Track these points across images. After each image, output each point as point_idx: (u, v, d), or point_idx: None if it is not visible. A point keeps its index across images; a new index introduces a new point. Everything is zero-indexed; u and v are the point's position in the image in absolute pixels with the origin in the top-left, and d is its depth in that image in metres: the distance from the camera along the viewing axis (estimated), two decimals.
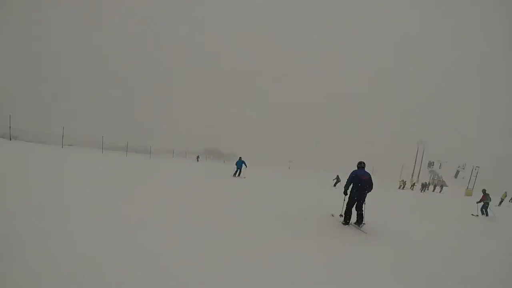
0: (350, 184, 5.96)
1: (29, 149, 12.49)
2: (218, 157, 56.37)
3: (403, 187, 28.26)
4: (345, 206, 6.14)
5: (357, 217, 6.01)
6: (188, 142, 64.72)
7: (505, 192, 20.03)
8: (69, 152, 15.14)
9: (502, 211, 14.25)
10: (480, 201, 12.02)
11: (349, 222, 6.00)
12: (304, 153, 70.18)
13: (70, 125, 17.75)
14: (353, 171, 6.05)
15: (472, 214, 11.81)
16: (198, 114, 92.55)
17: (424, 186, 27.82)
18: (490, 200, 11.89)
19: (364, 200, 6.01)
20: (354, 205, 6.02)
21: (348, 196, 6.07)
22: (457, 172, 43.44)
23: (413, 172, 45.99)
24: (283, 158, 60.14)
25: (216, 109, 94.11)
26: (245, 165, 15.61)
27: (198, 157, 37.91)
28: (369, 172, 6.06)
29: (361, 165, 6.10)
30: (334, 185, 18.97)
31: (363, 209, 6.05)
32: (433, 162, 45.80)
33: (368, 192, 5.98)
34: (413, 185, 29.75)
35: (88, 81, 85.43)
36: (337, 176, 19.49)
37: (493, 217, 11.38)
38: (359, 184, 5.86)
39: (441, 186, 31.08)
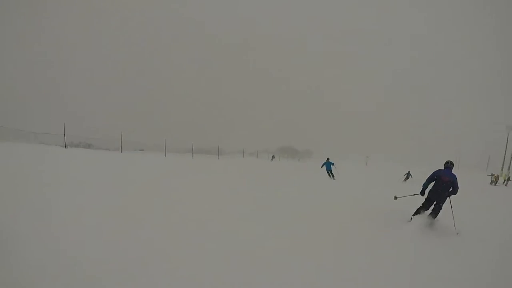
0: (429, 184, 5.81)
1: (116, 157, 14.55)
2: (293, 155, 56.05)
3: (496, 183, 25.99)
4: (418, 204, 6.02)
5: (432, 210, 5.83)
6: (260, 142, 64.52)
7: None
8: (150, 157, 17.71)
9: None
10: None
11: (412, 217, 5.92)
12: (379, 147, 66.71)
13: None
14: (437, 170, 5.88)
15: None
16: (268, 113, 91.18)
17: None
18: None
19: (443, 202, 5.76)
20: (431, 207, 5.84)
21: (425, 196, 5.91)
22: None
23: (503, 164, 40.90)
24: (359, 152, 58.17)
25: (286, 106, 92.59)
26: (332, 164, 16.37)
27: (273, 156, 38.28)
28: (455, 174, 5.72)
29: (447, 164, 5.80)
30: (404, 180, 19.23)
31: (452, 209, 5.83)
32: None
33: (449, 196, 5.74)
34: (508, 179, 26.97)
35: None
36: (408, 171, 19.83)
37: None
38: (438, 185, 5.70)
39: None
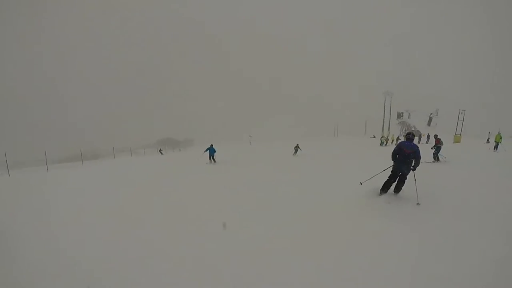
0: (395, 156, 5.89)
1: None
2: (174, 146, 51.97)
3: (386, 143, 25.17)
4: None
5: (396, 185, 5.96)
6: (137, 138, 62.82)
7: (499, 134, 16.72)
8: None
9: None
10: (434, 147, 12.45)
11: (386, 191, 5.97)
12: (261, 126, 70.05)
13: None
14: (400, 142, 6.04)
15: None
16: (140, 107, 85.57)
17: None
18: (443, 144, 12.51)
19: (407, 174, 5.83)
20: (397, 179, 5.92)
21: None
22: (430, 119, 41.49)
23: (383, 126, 44.28)
24: (242, 133, 58.94)
25: (159, 97, 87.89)
26: (214, 151, 16.71)
27: (160, 150, 36.29)
28: (416, 145, 5.73)
29: (408, 136, 5.97)
30: (294, 153, 19.65)
31: (416, 182, 5.85)
32: (402, 113, 43.90)
33: (413, 168, 5.72)
34: (397, 139, 26.87)
35: None
36: (297, 144, 20.29)
37: (445, 161, 11.98)
38: (400, 158, 5.77)
39: (420, 136, 28.69)
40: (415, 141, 23.72)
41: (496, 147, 15.96)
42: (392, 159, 5.87)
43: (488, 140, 23.34)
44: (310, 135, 43.71)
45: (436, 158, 12.16)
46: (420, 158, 5.60)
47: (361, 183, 6.66)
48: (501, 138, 16.48)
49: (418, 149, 5.57)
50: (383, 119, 44.43)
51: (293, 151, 19.78)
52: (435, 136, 12.98)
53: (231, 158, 18.11)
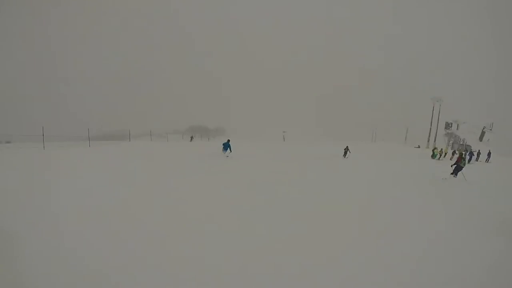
0: None
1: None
2: (205, 134, 51.50)
3: (440, 157, 23.37)
4: None
5: None
6: (168, 122, 61.76)
7: None
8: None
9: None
10: (454, 164, 12.11)
11: None
12: (298, 122, 66.58)
13: None
14: None
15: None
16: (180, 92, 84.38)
17: (473, 155, 23.16)
18: (464, 165, 12.09)
19: None
20: None
21: None
22: (483, 133, 37.83)
23: (429, 136, 41.32)
24: (276, 129, 55.99)
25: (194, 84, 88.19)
26: (230, 149, 18.06)
27: (192, 137, 36.27)
28: None
29: None
30: (344, 155, 20.28)
31: None
32: (451, 123, 40.18)
33: None
34: (452, 153, 24.88)
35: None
36: (347, 146, 20.71)
37: (461, 179, 11.47)
38: None
39: (473, 154, 26.71)
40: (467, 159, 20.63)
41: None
42: None
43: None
44: (341, 137, 42.00)
45: (454, 173, 11.81)
46: None
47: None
48: None
49: None
50: (430, 128, 41.67)
51: (343, 153, 20.66)
52: (461, 153, 12.55)
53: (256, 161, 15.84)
